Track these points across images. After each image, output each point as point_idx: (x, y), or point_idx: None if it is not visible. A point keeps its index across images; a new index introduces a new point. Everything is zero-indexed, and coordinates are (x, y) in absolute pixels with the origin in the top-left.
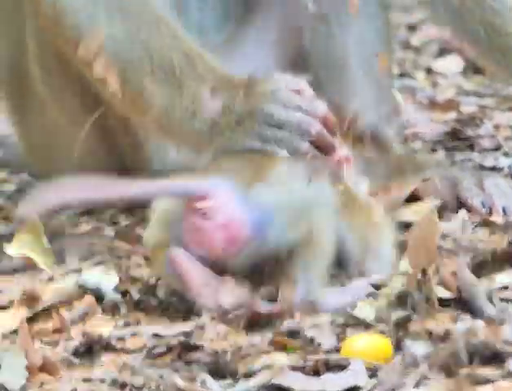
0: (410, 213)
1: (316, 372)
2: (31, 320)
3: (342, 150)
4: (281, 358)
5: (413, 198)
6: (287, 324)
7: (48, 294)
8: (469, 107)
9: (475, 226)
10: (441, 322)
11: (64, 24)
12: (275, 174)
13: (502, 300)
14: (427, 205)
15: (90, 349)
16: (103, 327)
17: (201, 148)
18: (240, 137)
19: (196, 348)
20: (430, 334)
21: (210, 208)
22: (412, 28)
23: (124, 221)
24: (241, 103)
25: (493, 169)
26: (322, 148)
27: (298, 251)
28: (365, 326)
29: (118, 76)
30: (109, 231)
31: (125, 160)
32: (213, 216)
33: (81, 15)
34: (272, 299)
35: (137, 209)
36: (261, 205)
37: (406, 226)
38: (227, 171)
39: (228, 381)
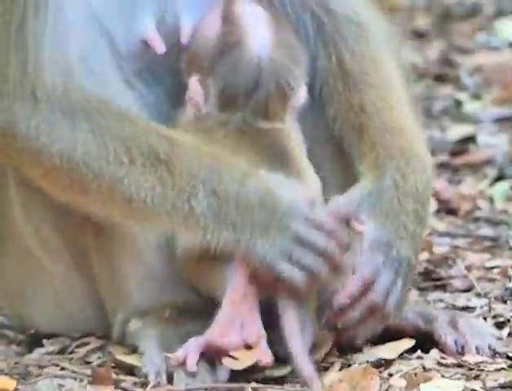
0: (387, 350)
1: None
2: None
3: None
4: None
5: (389, 334)
6: None
7: None
8: (441, 247)
9: (447, 366)
10: None
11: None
12: None
13: None
14: (403, 343)
15: None
16: None
17: (199, 235)
18: (257, 242)
19: None
20: None
21: None
22: None
23: (96, 361)
24: (260, 205)
25: (465, 309)
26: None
27: None
28: None
29: (95, 176)
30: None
31: (103, 298)
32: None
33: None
34: None
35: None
36: None
37: (386, 362)
38: None
39: None
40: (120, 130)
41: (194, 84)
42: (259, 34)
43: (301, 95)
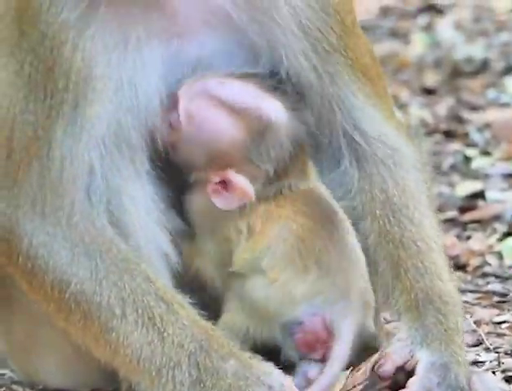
0: None
1: None
2: None
3: None
4: None
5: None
6: None
7: None
8: None
9: None
10: None
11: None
12: None
13: None
14: None
15: None
16: None
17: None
18: None
19: None
20: None
21: None
22: None
23: None
24: (234, 375)
25: (475, 363)
26: None
27: None
28: None
29: (83, 316)
30: None
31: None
32: None
33: (40, 252)
34: None
35: None
36: None
37: None
38: None
39: None
40: (118, 278)
41: (234, 176)
42: (275, 109)
43: None
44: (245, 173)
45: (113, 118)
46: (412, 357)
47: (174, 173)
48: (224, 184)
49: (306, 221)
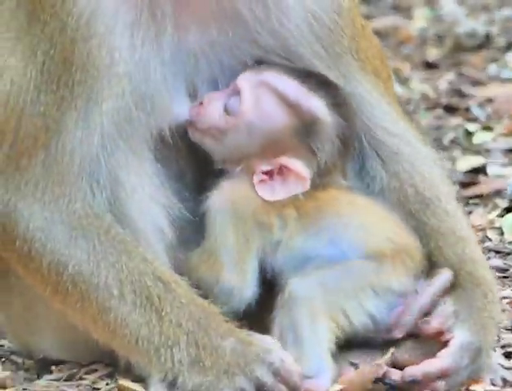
0: None
1: None
2: None
3: None
4: None
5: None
6: None
7: None
8: None
9: None
10: None
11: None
12: None
13: None
14: None
15: None
16: None
17: (174, 378)
18: (221, 384)
19: None
20: None
21: None
22: None
23: (104, 388)
24: (233, 352)
25: None
26: None
27: None
28: None
29: (81, 298)
30: None
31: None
32: None
33: (39, 235)
34: None
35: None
36: None
37: None
38: None
39: None
40: (115, 260)
41: (288, 161)
42: (319, 106)
43: None
44: (300, 158)
45: (126, 113)
46: (450, 330)
47: (183, 163)
48: (271, 174)
49: (369, 203)
